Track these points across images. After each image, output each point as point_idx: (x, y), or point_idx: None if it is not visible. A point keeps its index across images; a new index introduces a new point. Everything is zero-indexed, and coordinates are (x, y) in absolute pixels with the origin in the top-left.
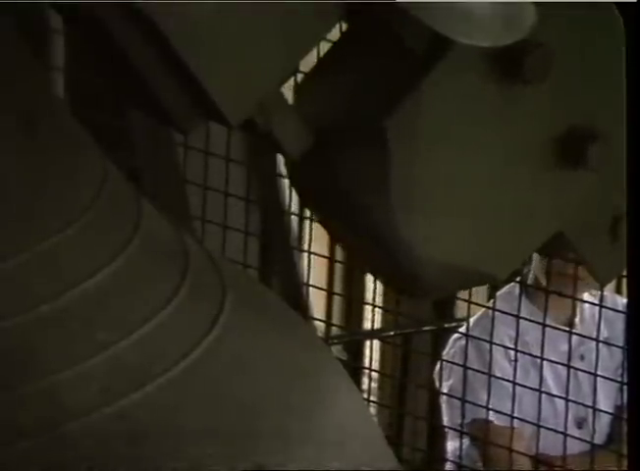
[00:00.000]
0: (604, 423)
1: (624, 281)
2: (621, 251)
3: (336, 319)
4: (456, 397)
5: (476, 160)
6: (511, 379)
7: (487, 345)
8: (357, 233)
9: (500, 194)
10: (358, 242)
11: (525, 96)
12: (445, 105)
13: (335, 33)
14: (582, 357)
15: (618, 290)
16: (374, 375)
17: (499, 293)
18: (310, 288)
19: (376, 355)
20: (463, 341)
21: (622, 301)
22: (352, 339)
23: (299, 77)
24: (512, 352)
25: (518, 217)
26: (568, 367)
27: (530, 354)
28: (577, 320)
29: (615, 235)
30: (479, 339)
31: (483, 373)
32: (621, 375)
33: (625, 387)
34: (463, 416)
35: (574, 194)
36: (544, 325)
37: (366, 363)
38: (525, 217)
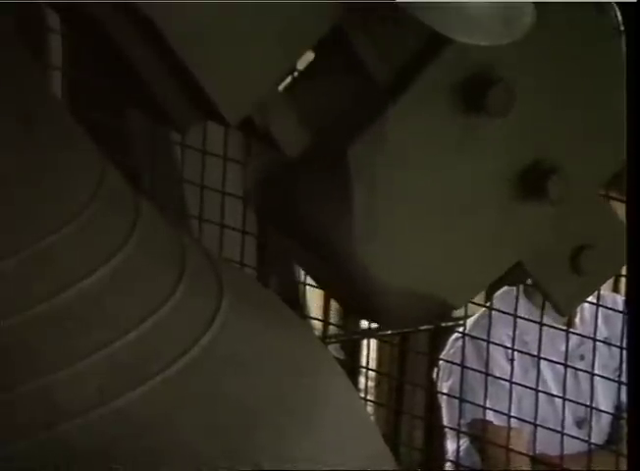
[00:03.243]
0: (603, 423)
1: (622, 279)
2: (583, 282)
3: (333, 318)
4: (456, 397)
5: (439, 190)
6: (511, 379)
7: (486, 345)
8: (316, 256)
9: (461, 224)
10: (318, 267)
11: (488, 129)
12: (408, 135)
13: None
14: (582, 357)
15: (615, 289)
16: (371, 374)
17: (497, 293)
18: (307, 287)
19: (373, 354)
20: (464, 342)
21: (622, 300)
22: (350, 338)
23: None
24: (512, 352)
25: (479, 247)
26: (566, 366)
27: (529, 354)
28: (577, 320)
29: (576, 266)
30: (478, 338)
31: (482, 373)
32: (619, 375)
33: (623, 386)
34: (461, 416)
35: (535, 226)
36: (541, 324)
37: (363, 362)
38: (485, 247)
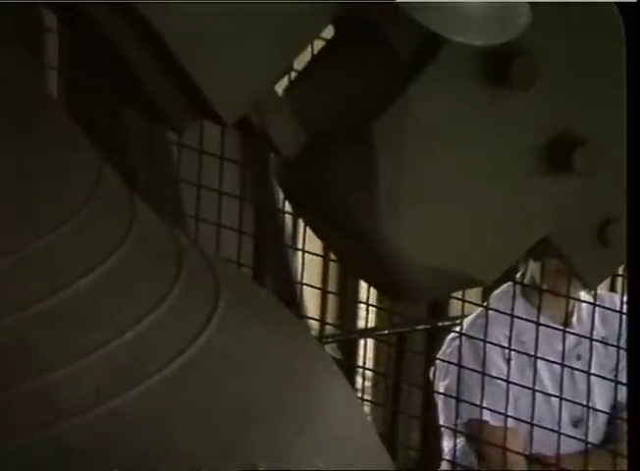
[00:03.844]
0: (600, 422)
1: (619, 279)
2: (610, 255)
3: (330, 318)
4: (452, 397)
5: (463, 164)
6: (507, 378)
7: (483, 345)
8: (343, 235)
9: (487, 199)
10: (344, 245)
11: (512, 102)
12: (432, 109)
13: (329, 32)
14: (579, 357)
15: (612, 288)
16: (368, 374)
17: (495, 293)
18: (304, 287)
19: (370, 354)
20: (461, 341)
21: (620, 300)
22: (346, 337)
23: (293, 75)
24: (508, 352)
25: (506, 221)
26: (562, 366)
27: (526, 353)
28: (574, 319)
29: (603, 239)
30: (475, 338)
31: (479, 372)
32: (616, 375)
33: (620, 386)
34: (457, 416)
35: (561, 199)
36: (538, 324)
37: (360, 362)
38: (512, 221)
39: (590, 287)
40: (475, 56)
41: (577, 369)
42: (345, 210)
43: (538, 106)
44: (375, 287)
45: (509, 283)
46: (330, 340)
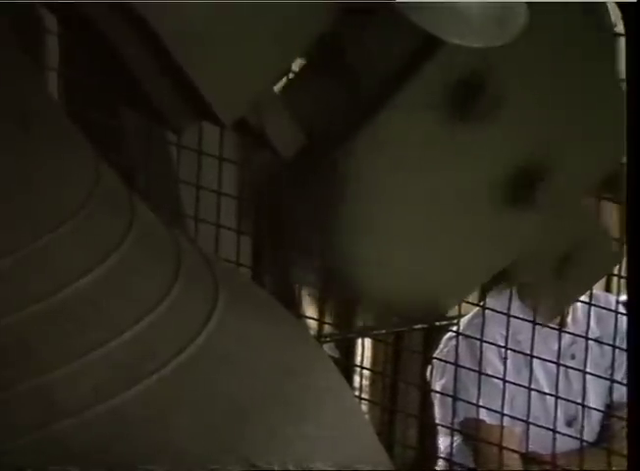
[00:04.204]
0: (594, 421)
1: (614, 279)
2: (568, 287)
3: (328, 317)
4: (449, 396)
5: (428, 194)
6: (504, 377)
7: (479, 345)
8: (304, 262)
9: (449, 230)
10: (303, 270)
11: (477, 135)
12: (397, 140)
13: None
14: (573, 356)
15: (607, 288)
16: (366, 373)
17: (491, 293)
18: (302, 287)
19: (368, 353)
20: (457, 341)
21: (615, 299)
22: (344, 337)
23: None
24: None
25: (468, 250)
26: (558, 365)
27: (522, 353)
28: (570, 319)
29: (562, 272)
30: (472, 338)
31: (475, 372)
32: (611, 374)
33: (614, 385)
34: (454, 414)
35: (522, 231)
36: (534, 323)
37: (358, 361)
38: (473, 253)
39: (546, 318)
40: (441, 88)
41: (572, 368)
42: (306, 239)
43: (501, 140)
44: (338, 313)
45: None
46: (328, 339)
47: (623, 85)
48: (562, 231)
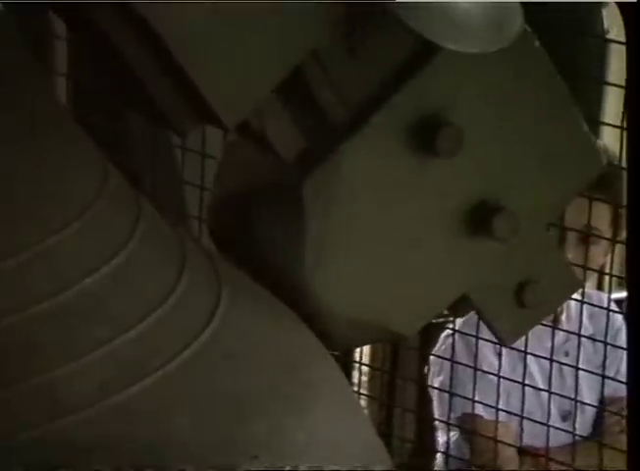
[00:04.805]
0: (588, 416)
1: (606, 277)
2: (527, 314)
3: None
4: (446, 392)
5: (389, 224)
6: (499, 374)
7: (476, 342)
8: (268, 283)
9: (410, 257)
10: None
11: (437, 169)
12: (361, 171)
13: None
14: (567, 353)
15: (599, 287)
16: (365, 369)
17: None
18: None
19: (367, 350)
20: (454, 338)
21: (607, 297)
22: None
23: None
24: (501, 348)
25: (426, 279)
26: (552, 362)
27: (517, 350)
28: (563, 317)
29: (520, 299)
30: (468, 335)
31: (472, 368)
32: (603, 370)
33: (607, 380)
34: (451, 410)
35: (481, 261)
36: None
37: (357, 357)
38: (433, 280)
39: (504, 344)
40: (404, 124)
41: (566, 364)
42: (271, 263)
43: (461, 174)
44: None
45: None
46: None
47: (579, 115)
48: (521, 260)
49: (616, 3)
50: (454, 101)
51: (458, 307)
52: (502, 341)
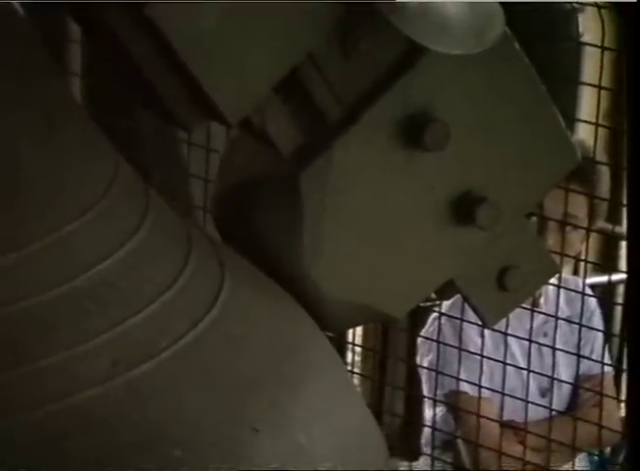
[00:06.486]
0: (564, 393)
1: (581, 264)
2: (509, 297)
3: None
4: (434, 370)
5: (380, 213)
6: (483, 353)
7: (461, 324)
8: (269, 270)
9: (399, 244)
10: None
11: (425, 162)
12: (354, 164)
13: None
14: (545, 334)
15: (575, 272)
16: (357, 349)
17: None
18: None
19: (359, 331)
20: (441, 320)
21: (582, 282)
22: None
23: None
24: (484, 330)
25: (414, 264)
26: (531, 342)
27: (499, 331)
28: (542, 300)
29: (502, 283)
30: (454, 317)
31: (458, 348)
32: (578, 350)
33: (581, 359)
34: (438, 387)
35: (465, 247)
36: None
37: (350, 338)
38: (421, 265)
39: (487, 326)
40: (394, 120)
41: (544, 345)
42: (271, 250)
43: (447, 166)
44: None
45: None
46: None
47: (556, 112)
48: (502, 247)
49: (616, 3)
50: (441, 99)
51: (445, 291)
52: (485, 323)
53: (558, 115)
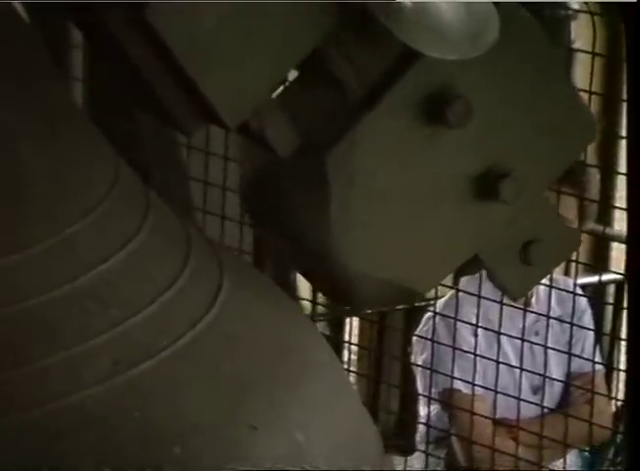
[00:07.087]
0: (555, 390)
1: (573, 264)
2: (533, 271)
3: (320, 299)
4: (428, 369)
5: (404, 191)
6: (477, 352)
7: (454, 323)
8: (298, 251)
9: (425, 220)
10: (300, 259)
11: (448, 138)
12: (379, 142)
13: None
14: (537, 333)
15: (566, 273)
16: (353, 348)
17: (464, 277)
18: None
19: (355, 331)
20: (436, 320)
21: (572, 282)
22: (334, 315)
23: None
24: (477, 329)
25: (440, 240)
26: (523, 341)
27: (492, 330)
28: (534, 300)
29: (526, 257)
30: (448, 317)
31: (451, 347)
32: (569, 348)
33: (572, 357)
34: (431, 385)
35: (489, 223)
36: (502, 304)
37: (347, 338)
38: (447, 241)
39: (513, 298)
40: (417, 98)
41: (536, 343)
42: (300, 230)
43: (470, 142)
44: (325, 295)
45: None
46: (321, 318)
47: (575, 89)
48: (525, 222)
49: (616, 3)
50: (462, 76)
51: (470, 266)
52: (510, 297)
53: (577, 92)
